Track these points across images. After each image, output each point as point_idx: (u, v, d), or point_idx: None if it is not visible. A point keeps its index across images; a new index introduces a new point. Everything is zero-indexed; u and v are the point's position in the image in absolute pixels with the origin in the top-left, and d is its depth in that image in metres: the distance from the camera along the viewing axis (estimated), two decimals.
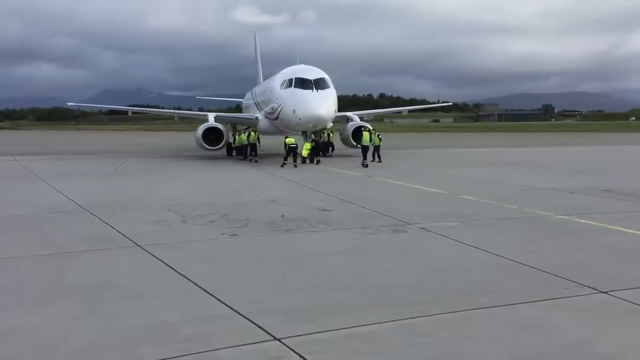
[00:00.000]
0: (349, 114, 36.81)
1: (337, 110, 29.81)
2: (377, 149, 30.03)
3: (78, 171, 25.63)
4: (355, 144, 32.12)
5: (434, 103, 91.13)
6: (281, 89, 29.08)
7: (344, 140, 34.50)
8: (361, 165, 27.21)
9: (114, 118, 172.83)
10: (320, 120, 27.68)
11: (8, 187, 19.39)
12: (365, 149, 28.70)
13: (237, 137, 33.26)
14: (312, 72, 28.96)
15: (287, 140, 27.73)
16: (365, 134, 29.54)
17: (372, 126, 33.43)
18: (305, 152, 28.27)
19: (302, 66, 30.59)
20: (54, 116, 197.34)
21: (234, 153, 34.74)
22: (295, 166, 26.65)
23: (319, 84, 27.99)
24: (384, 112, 60.36)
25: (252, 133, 31.71)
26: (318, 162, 28.78)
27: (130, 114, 51.06)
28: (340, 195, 16.40)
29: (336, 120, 34.37)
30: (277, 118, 30.02)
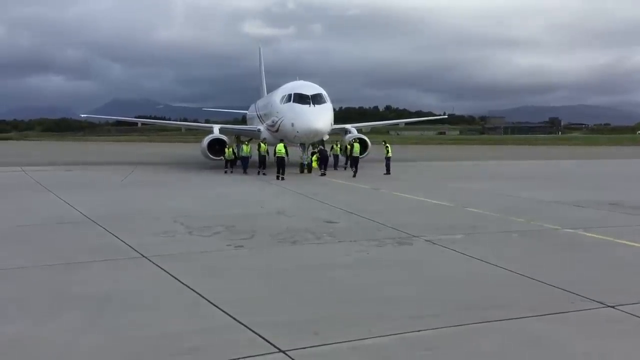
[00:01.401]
0: (347, 126, 39.58)
1: (333, 123, 31.61)
2: (355, 160, 31.12)
3: (85, 182, 25.74)
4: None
5: (438, 115, 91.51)
6: (281, 103, 30.87)
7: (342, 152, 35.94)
8: (353, 175, 28.81)
9: (121, 129, 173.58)
10: (317, 133, 29.41)
11: (15, 197, 19.48)
12: (354, 160, 30.42)
13: (243, 147, 32.35)
14: (310, 88, 30.81)
15: (277, 148, 28.84)
16: (356, 146, 30.98)
17: (384, 139, 36.15)
18: (314, 164, 29.82)
19: (300, 82, 32.69)
20: (61, 127, 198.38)
21: (237, 163, 35.00)
22: (283, 179, 26.58)
23: (316, 99, 29.74)
24: (381, 124, 60.89)
25: (262, 145, 31.48)
26: (323, 174, 29.10)
27: (140, 125, 51.28)
28: (346, 208, 16.40)
29: (335, 132, 37.15)
30: (277, 130, 31.69)
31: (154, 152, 58.88)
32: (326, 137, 32.64)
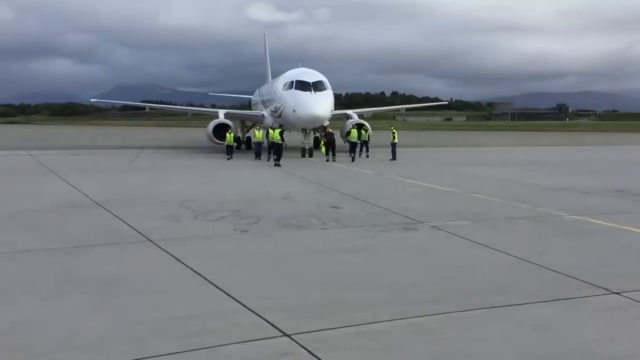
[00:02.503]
0: (348, 111, 39.69)
1: (333, 109, 32.63)
2: (365, 144, 31.94)
3: (91, 166, 25.80)
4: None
5: (445, 101, 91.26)
6: (283, 90, 31.63)
7: (344, 137, 35.82)
8: (351, 159, 29.22)
9: (127, 114, 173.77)
10: (317, 119, 30.25)
11: (22, 181, 19.56)
12: (353, 145, 30.71)
13: (255, 133, 32.00)
14: (311, 75, 31.75)
15: (271, 133, 28.84)
16: (354, 131, 31.41)
17: (392, 124, 36.33)
18: (323, 149, 29.97)
19: (302, 69, 33.57)
20: (68, 111, 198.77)
21: (242, 147, 36.26)
22: (279, 165, 26.25)
23: (317, 87, 30.74)
24: (382, 110, 60.65)
25: (272, 131, 29.72)
26: (333, 160, 28.94)
27: (148, 109, 51.49)
28: (351, 193, 16.39)
29: (337, 118, 37.77)
30: (280, 116, 32.43)
31: (160, 137, 58.93)
32: (326, 123, 33.34)
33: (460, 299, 6.97)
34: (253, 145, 32.79)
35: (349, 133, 31.72)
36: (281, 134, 28.24)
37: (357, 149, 31.09)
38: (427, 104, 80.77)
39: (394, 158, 29.88)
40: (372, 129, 34.90)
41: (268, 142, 30.00)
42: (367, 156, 31.43)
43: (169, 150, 38.38)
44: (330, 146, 29.64)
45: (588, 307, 6.83)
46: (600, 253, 9.65)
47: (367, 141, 32.56)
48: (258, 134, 31.67)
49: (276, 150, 27.41)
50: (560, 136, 74.07)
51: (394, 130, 31.08)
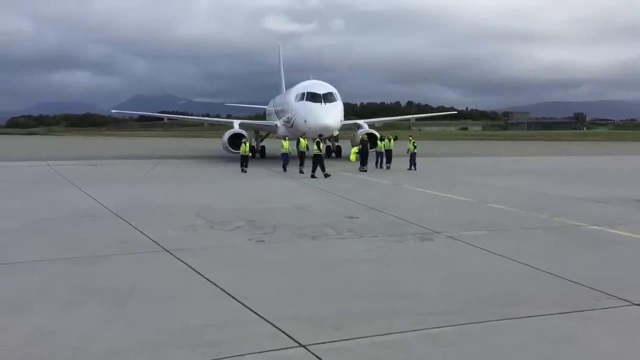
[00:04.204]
0: (359, 121, 41.34)
1: (343, 119, 34.11)
2: (389, 153, 31.32)
3: (108, 176, 26.04)
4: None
5: (456, 111, 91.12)
6: (295, 101, 33.37)
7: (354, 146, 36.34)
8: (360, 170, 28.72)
9: (144, 124, 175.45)
10: (327, 128, 31.45)
11: (41, 191, 19.77)
12: (379, 155, 31.13)
13: (283, 143, 30.67)
14: (321, 87, 33.51)
15: (302, 143, 29.18)
16: (380, 143, 31.66)
17: (410, 134, 36.57)
18: (353, 157, 30.32)
19: (313, 81, 35.58)
20: (86, 122, 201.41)
21: (257, 156, 37.00)
22: (328, 175, 25.31)
23: (327, 98, 32.35)
24: (392, 120, 60.76)
25: (302, 140, 29.69)
26: (364, 170, 28.54)
27: (165, 120, 52.37)
28: (367, 203, 16.36)
29: (348, 128, 39.57)
30: (292, 126, 34.10)
31: (176, 147, 59.39)
32: (336, 133, 34.65)
33: (477, 310, 6.90)
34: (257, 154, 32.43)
35: (376, 144, 32.07)
36: (318, 144, 27.06)
37: (379, 159, 30.98)
38: (436, 114, 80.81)
39: (412, 168, 29.58)
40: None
41: (298, 152, 29.24)
42: (388, 167, 30.67)
43: (185, 159, 38.67)
44: (364, 156, 29.42)
45: (607, 319, 6.72)
46: (620, 263, 9.52)
47: (389, 150, 31.28)
48: (285, 145, 30.43)
49: (318, 162, 25.93)
50: (578, 145, 73.35)
51: (414, 141, 30.54)
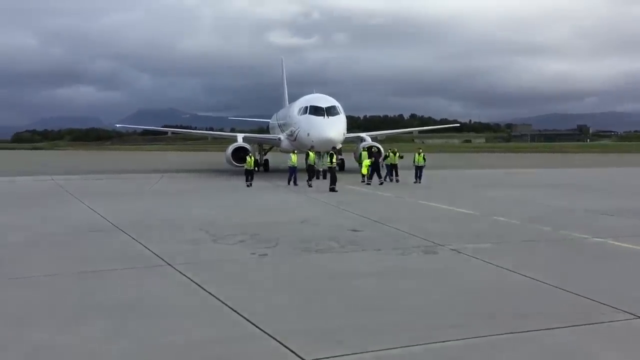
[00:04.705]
0: (362, 134, 41.95)
1: (345, 133, 34.62)
2: (395, 166, 30.84)
3: (112, 190, 26.10)
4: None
5: (458, 124, 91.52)
6: (298, 114, 33.70)
7: (357, 160, 36.13)
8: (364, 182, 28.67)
9: (148, 139, 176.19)
10: (330, 142, 31.27)
11: (45, 206, 19.81)
12: (389, 167, 30.62)
13: (292, 157, 29.77)
14: (324, 101, 33.77)
15: (311, 156, 29.33)
16: (364, 154, 31.67)
17: (419, 147, 38.11)
18: (365, 170, 29.23)
19: (316, 95, 35.68)
20: (90, 136, 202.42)
21: (260, 169, 37.43)
22: (311, 186, 26.31)
23: (330, 111, 32.70)
24: (395, 132, 61.10)
25: (311, 154, 29.51)
26: (369, 183, 28.58)
27: (169, 134, 52.86)
28: (370, 216, 16.33)
29: (351, 141, 39.91)
30: (295, 139, 34.44)
31: (180, 161, 59.52)
32: (339, 146, 34.64)
33: (482, 324, 6.85)
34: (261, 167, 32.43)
35: (387, 157, 31.42)
36: (331, 156, 27.05)
37: (386, 173, 30.50)
38: (439, 127, 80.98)
39: (419, 180, 29.38)
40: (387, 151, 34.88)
41: (307, 166, 29.12)
42: (397, 180, 30.08)
43: (189, 173, 38.80)
44: (375, 168, 29.28)
45: (614, 332, 6.66)
46: (625, 276, 9.45)
47: (395, 164, 30.85)
48: (294, 158, 29.50)
49: (330, 175, 25.90)
50: (582, 157, 73.23)
51: (422, 153, 30.03)
